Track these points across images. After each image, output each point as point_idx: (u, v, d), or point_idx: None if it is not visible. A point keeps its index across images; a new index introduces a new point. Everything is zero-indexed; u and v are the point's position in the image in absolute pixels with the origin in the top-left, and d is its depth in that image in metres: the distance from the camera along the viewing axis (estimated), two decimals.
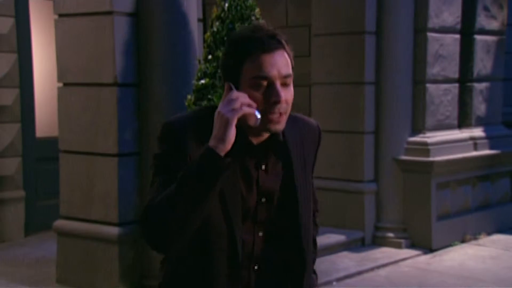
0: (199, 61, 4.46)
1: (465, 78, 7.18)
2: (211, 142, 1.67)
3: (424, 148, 6.55)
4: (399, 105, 6.61)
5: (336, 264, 5.97)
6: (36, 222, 6.90)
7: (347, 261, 6.09)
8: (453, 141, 6.88)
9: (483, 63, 7.30)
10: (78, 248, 5.13)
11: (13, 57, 6.78)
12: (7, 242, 6.64)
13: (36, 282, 5.29)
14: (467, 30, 7.12)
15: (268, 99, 1.74)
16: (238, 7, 4.51)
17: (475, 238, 6.97)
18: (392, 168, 6.61)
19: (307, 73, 7.27)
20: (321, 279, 5.48)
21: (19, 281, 5.33)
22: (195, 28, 5.04)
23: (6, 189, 6.75)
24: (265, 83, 1.74)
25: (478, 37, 7.24)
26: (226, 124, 1.66)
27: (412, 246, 6.54)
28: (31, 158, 6.97)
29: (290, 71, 1.78)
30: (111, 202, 4.94)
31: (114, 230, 4.93)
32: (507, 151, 7.43)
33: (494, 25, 7.41)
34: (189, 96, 4.42)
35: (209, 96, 4.27)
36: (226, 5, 4.53)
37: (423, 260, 6.27)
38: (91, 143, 5.03)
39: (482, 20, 7.26)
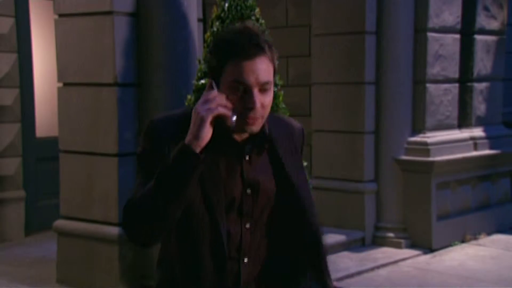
0: (199, 61, 4.46)
1: (465, 78, 7.18)
2: (187, 138, 1.75)
3: (424, 148, 6.55)
4: (399, 105, 6.61)
5: (336, 264, 5.96)
6: (36, 222, 6.90)
7: (347, 261, 6.09)
8: (453, 141, 6.88)
9: (483, 63, 7.30)
10: (78, 248, 5.13)
11: (13, 57, 6.78)
12: (7, 242, 6.64)
13: (36, 282, 5.30)
14: (467, 30, 7.11)
15: (243, 104, 1.79)
16: (238, 7, 4.51)
17: (475, 238, 6.97)
18: (392, 168, 6.61)
19: (307, 73, 7.27)
20: None
21: (19, 281, 5.33)
22: (195, 28, 5.04)
23: (6, 189, 6.75)
24: (242, 88, 1.79)
25: (478, 37, 7.24)
26: (200, 122, 1.74)
27: (412, 246, 6.54)
28: (31, 158, 6.97)
29: (270, 78, 1.84)
30: (111, 202, 4.94)
31: (114, 230, 4.93)
32: (507, 151, 7.43)
33: (494, 25, 7.41)
34: (189, 96, 4.42)
35: None
36: (226, 5, 4.53)
37: (423, 260, 6.27)
38: (91, 143, 5.03)
39: (482, 20, 7.26)
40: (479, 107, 7.32)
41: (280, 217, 1.91)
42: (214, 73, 1.83)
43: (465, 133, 7.12)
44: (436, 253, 6.46)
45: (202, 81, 4.31)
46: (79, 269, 5.13)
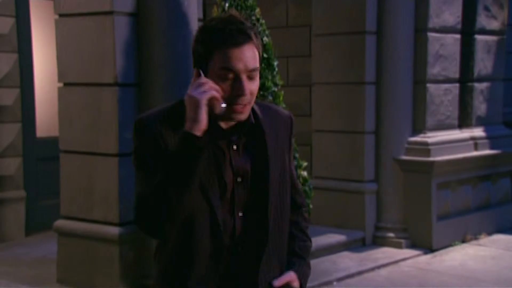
0: None
1: (465, 78, 7.18)
2: (186, 125, 1.77)
3: (425, 148, 6.55)
4: (400, 105, 6.60)
5: (336, 264, 5.97)
6: (37, 222, 6.90)
7: (347, 261, 6.09)
8: (454, 141, 6.88)
9: (483, 63, 7.30)
10: (79, 248, 5.13)
11: (14, 57, 6.78)
12: (8, 242, 6.64)
13: (36, 282, 5.29)
14: (467, 30, 7.11)
15: (233, 92, 1.82)
16: (239, 7, 4.52)
17: (476, 238, 6.97)
18: (392, 168, 6.61)
19: (308, 73, 7.27)
20: (321, 279, 5.49)
21: (19, 281, 5.33)
22: (195, 28, 5.04)
23: (7, 189, 6.75)
24: (231, 75, 1.82)
25: (478, 37, 7.24)
26: (197, 106, 1.77)
27: (412, 246, 6.54)
28: (31, 158, 6.97)
29: (257, 64, 1.87)
30: (111, 202, 4.94)
31: (114, 230, 4.93)
32: (507, 151, 7.43)
33: (495, 25, 7.41)
34: None
35: None
36: (227, 5, 4.54)
37: (424, 260, 6.27)
38: (91, 143, 5.03)
39: (483, 20, 7.26)
40: (480, 107, 7.32)
41: (268, 206, 1.94)
42: (201, 62, 1.85)
43: (465, 133, 7.11)
44: (436, 253, 6.46)
45: None
46: (79, 269, 5.13)
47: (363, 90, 6.56)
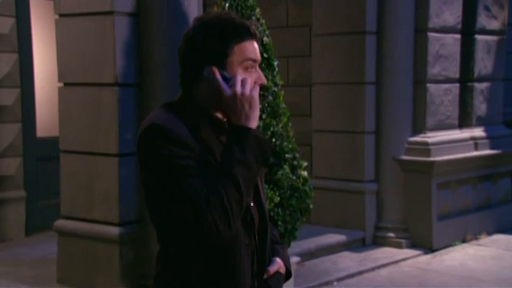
0: None
1: (465, 78, 7.18)
2: (245, 124, 1.76)
3: (425, 148, 6.55)
4: (400, 105, 6.61)
5: (336, 264, 5.97)
6: (37, 222, 6.90)
7: (347, 261, 6.09)
8: (454, 141, 6.88)
9: (483, 63, 7.30)
10: (79, 248, 5.13)
11: (14, 57, 6.78)
12: (8, 242, 6.64)
13: (36, 282, 5.29)
14: (467, 30, 7.12)
15: (255, 82, 1.85)
16: (239, 7, 4.52)
17: (476, 238, 6.97)
18: (392, 168, 6.61)
19: (308, 73, 7.27)
20: (321, 279, 5.49)
21: (20, 281, 5.33)
22: None
23: (7, 189, 6.75)
24: (254, 65, 1.86)
25: (478, 37, 7.24)
26: (253, 102, 1.78)
27: (412, 246, 6.54)
28: (31, 158, 6.97)
29: None
30: (111, 202, 4.94)
31: (114, 230, 4.93)
32: (507, 151, 7.43)
33: (495, 25, 7.41)
34: None
35: None
36: (227, 5, 4.53)
37: (424, 260, 6.27)
38: (91, 143, 5.03)
39: (483, 20, 7.26)
40: (480, 107, 7.32)
41: (261, 195, 1.96)
42: (218, 58, 1.82)
43: (465, 133, 7.12)
44: (436, 253, 6.46)
45: None
46: (79, 269, 5.13)
47: (363, 90, 6.56)
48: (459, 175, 6.90)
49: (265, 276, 1.95)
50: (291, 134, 4.72)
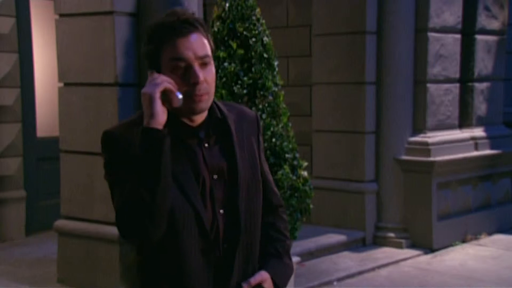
0: None
1: (466, 78, 7.18)
2: (144, 122, 1.76)
3: (425, 148, 6.55)
4: (400, 105, 6.61)
5: (337, 264, 5.97)
6: (37, 222, 6.91)
7: (348, 261, 6.09)
8: (454, 141, 6.88)
9: (484, 63, 7.30)
10: (79, 248, 5.13)
11: (14, 57, 6.78)
12: (8, 242, 6.64)
13: (37, 282, 5.30)
14: (468, 30, 7.11)
15: (188, 81, 1.80)
16: (239, 7, 4.51)
17: (476, 238, 6.97)
18: (392, 168, 6.61)
19: (308, 73, 7.27)
20: (322, 279, 5.49)
21: (20, 281, 5.33)
22: None
23: (7, 189, 6.75)
24: (182, 65, 1.81)
25: (479, 37, 7.24)
26: (150, 100, 1.75)
27: (413, 246, 6.54)
28: (32, 158, 6.97)
29: (208, 51, 1.85)
30: (111, 202, 4.92)
31: (114, 230, 4.88)
32: (508, 151, 7.43)
33: (495, 25, 7.41)
34: None
35: None
36: (227, 5, 4.53)
37: (424, 260, 6.27)
38: (92, 143, 5.02)
39: (483, 20, 7.26)
40: (480, 107, 7.32)
41: (238, 204, 1.91)
42: (153, 61, 1.84)
43: (465, 133, 7.11)
44: (436, 253, 6.46)
45: None
46: (79, 269, 5.13)
47: (363, 90, 6.56)
48: (459, 175, 6.90)
49: (245, 286, 1.91)
50: (291, 134, 4.72)
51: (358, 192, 6.64)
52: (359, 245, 6.55)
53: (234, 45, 4.45)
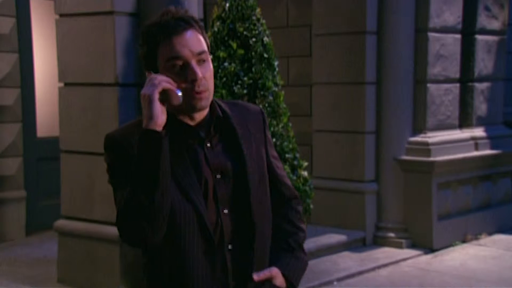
0: None
1: (466, 78, 7.18)
2: (143, 123, 1.74)
3: (425, 148, 6.55)
4: (400, 105, 6.60)
5: (337, 264, 5.97)
6: (37, 222, 6.90)
7: (348, 261, 6.09)
8: (454, 141, 6.88)
9: (484, 63, 7.30)
10: (79, 248, 5.13)
11: (14, 57, 6.78)
12: (8, 242, 6.64)
13: (37, 282, 5.30)
14: (468, 30, 7.11)
15: (186, 79, 1.79)
16: (239, 7, 4.52)
17: (476, 238, 6.97)
18: (393, 168, 6.61)
19: (308, 73, 7.27)
20: (322, 279, 5.49)
21: (20, 281, 5.33)
22: None
23: (7, 189, 6.75)
24: (180, 63, 1.80)
25: (479, 37, 7.24)
26: (149, 101, 1.73)
27: (413, 246, 6.54)
28: (32, 158, 6.97)
29: (204, 47, 1.84)
30: (112, 202, 4.91)
31: (115, 230, 4.89)
32: (508, 151, 7.43)
33: (495, 25, 7.41)
34: None
35: None
36: (227, 5, 4.53)
37: (424, 260, 6.27)
38: (92, 143, 5.02)
39: (483, 20, 7.26)
40: (480, 107, 7.32)
41: (251, 202, 1.90)
42: (150, 62, 1.83)
43: (466, 133, 7.11)
44: (437, 253, 6.46)
45: None
46: (80, 269, 5.13)
47: (363, 90, 6.56)
48: (459, 175, 6.90)
49: (255, 278, 1.88)
50: (291, 134, 4.73)
51: (358, 192, 6.64)
52: (359, 245, 6.55)
53: (234, 45, 4.45)
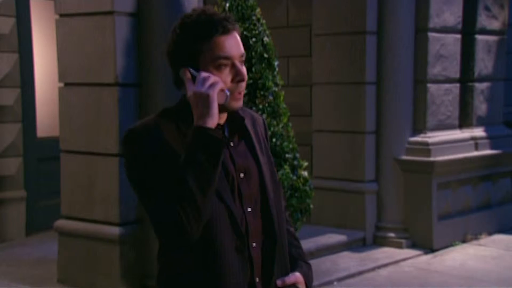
0: None
1: (466, 78, 7.18)
2: (198, 123, 1.72)
3: (425, 148, 6.55)
4: (400, 105, 6.61)
5: (337, 264, 5.97)
6: (37, 222, 6.90)
7: (348, 261, 6.09)
8: (454, 141, 6.88)
9: (484, 63, 7.30)
10: (79, 248, 5.13)
11: (14, 57, 6.78)
12: (8, 242, 6.64)
13: (37, 282, 5.29)
14: (468, 30, 7.12)
15: (233, 79, 1.81)
16: (239, 7, 4.52)
17: (476, 238, 6.97)
18: (393, 168, 6.61)
19: (308, 73, 7.27)
20: (322, 279, 5.49)
21: (20, 281, 5.33)
22: None
23: (7, 189, 6.76)
24: (227, 63, 1.80)
25: (479, 37, 7.24)
26: (207, 101, 1.73)
27: (413, 246, 6.54)
28: (32, 158, 6.97)
29: (243, 50, 1.87)
30: (112, 202, 4.94)
31: (115, 230, 4.93)
32: (508, 151, 7.43)
33: (495, 25, 7.41)
34: None
35: None
36: (227, 5, 4.54)
37: (424, 260, 6.27)
38: (92, 143, 5.03)
39: (483, 20, 7.26)
40: (480, 107, 7.32)
41: (269, 202, 1.92)
42: (190, 59, 1.81)
43: (466, 133, 7.12)
44: (437, 253, 6.46)
45: None
46: (80, 269, 5.13)
47: (364, 90, 6.56)
48: (459, 175, 6.90)
49: (279, 284, 1.91)
50: (291, 134, 4.73)
51: (358, 192, 6.64)
52: (359, 245, 6.55)
53: None
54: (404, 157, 6.60)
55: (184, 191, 1.69)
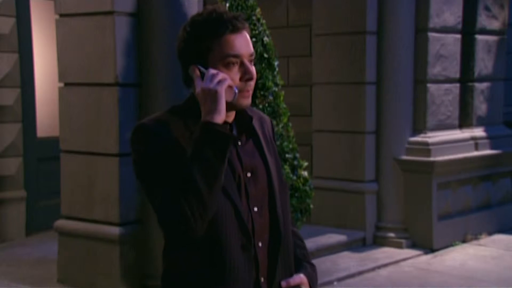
0: None
1: (466, 78, 7.18)
2: (206, 118, 1.73)
3: (425, 148, 6.55)
4: (400, 105, 6.61)
5: (337, 264, 5.97)
6: (37, 222, 6.90)
7: (348, 261, 6.09)
8: (454, 141, 6.88)
9: (484, 63, 7.30)
10: (79, 248, 5.13)
11: (14, 57, 6.78)
12: (8, 242, 6.64)
13: (37, 282, 5.29)
14: (468, 30, 7.12)
15: (241, 77, 1.83)
16: (239, 7, 4.52)
17: (476, 238, 6.97)
18: (393, 168, 6.61)
19: (308, 73, 7.27)
20: (322, 279, 5.48)
21: (20, 281, 5.33)
22: None
23: (7, 189, 6.75)
24: (237, 61, 1.82)
25: (479, 37, 7.24)
26: (215, 97, 1.74)
27: (413, 246, 6.54)
28: (32, 158, 6.97)
29: (253, 49, 1.88)
30: (112, 202, 4.94)
31: (115, 230, 4.93)
32: (508, 151, 7.43)
33: (495, 25, 7.41)
34: None
35: None
36: (227, 5, 4.53)
37: (424, 260, 6.27)
38: (92, 143, 5.03)
39: (483, 20, 7.26)
40: (480, 107, 7.32)
41: (276, 203, 1.92)
42: (199, 57, 1.82)
43: (466, 133, 7.12)
44: (437, 253, 6.46)
45: None
46: (80, 269, 5.13)
47: (364, 90, 6.56)
48: (459, 175, 6.90)
49: (283, 285, 1.91)
50: (291, 134, 4.73)
51: (358, 192, 6.64)
52: (359, 245, 6.55)
53: None
54: (404, 157, 6.60)
55: (190, 186, 1.70)
